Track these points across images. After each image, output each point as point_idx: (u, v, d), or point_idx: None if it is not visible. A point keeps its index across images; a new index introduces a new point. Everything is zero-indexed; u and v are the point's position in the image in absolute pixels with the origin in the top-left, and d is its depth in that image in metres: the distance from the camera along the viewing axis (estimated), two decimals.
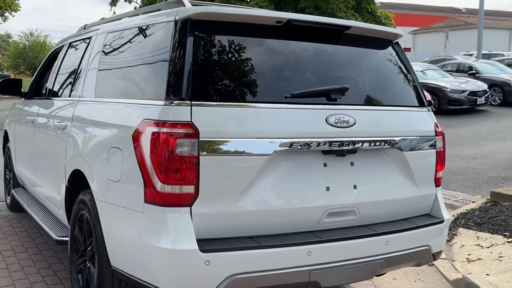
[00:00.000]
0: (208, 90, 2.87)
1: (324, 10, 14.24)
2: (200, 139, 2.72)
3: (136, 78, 3.33)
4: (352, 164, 3.20)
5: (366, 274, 3.22)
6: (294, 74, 3.16)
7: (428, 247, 3.47)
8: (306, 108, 3.04)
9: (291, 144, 2.92)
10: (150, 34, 3.28)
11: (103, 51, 3.93)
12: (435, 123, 3.63)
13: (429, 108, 3.69)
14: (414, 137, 3.45)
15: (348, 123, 3.11)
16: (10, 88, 5.72)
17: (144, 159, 2.80)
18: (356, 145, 3.14)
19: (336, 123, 3.06)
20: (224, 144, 2.77)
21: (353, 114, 3.15)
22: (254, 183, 2.86)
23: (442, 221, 3.57)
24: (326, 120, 3.04)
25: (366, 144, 3.18)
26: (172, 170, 2.69)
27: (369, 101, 3.38)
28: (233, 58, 2.99)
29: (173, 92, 2.79)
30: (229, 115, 2.82)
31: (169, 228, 2.71)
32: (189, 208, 2.72)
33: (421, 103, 3.63)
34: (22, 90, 5.82)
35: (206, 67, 2.89)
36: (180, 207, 2.72)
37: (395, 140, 3.32)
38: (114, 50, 3.79)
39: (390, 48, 3.65)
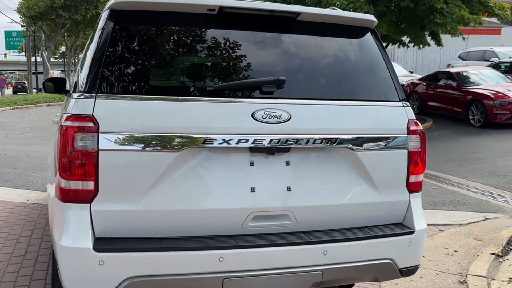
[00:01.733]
0: (120, 83, 2.76)
1: (422, 2, 13.33)
2: (101, 133, 2.62)
3: (81, 71, 3.34)
4: (287, 163, 2.90)
5: (296, 286, 2.89)
6: (225, 67, 2.93)
7: (390, 261, 3.04)
8: (229, 102, 2.81)
9: (204, 141, 2.71)
10: (97, 27, 3.26)
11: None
12: (410, 120, 3.17)
13: (406, 103, 3.23)
14: (373, 135, 3.04)
15: (279, 118, 2.82)
16: (54, 87, 6.05)
17: (56, 154, 2.78)
18: (289, 143, 2.84)
19: (264, 118, 2.79)
20: (128, 139, 2.64)
21: (289, 109, 2.85)
22: (161, 181, 2.69)
23: (412, 232, 3.11)
24: (252, 115, 2.78)
25: (302, 142, 2.86)
26: (71, 164, 2.63)
27: (315, 95, 3.02)
28: (153, 50, 2.85)
29: (87, 84, 2.74)
30: (136, 109, 2.69)
31: (69, 225, 2.65)
32: (88, 205, 2.64)
33: (393, 98, 3.20)
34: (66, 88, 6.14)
35: (120, 59, 2.79)
36: (79, 204, 2.64)
37: (343, 138, 2.95)
38: (88, 45, 3.86)
39: (358, 37, 3.25)
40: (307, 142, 2.87)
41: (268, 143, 2.79)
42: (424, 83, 17.58)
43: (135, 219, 2.69)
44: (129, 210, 2.67)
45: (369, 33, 3.29)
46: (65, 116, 2.71)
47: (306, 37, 3.12)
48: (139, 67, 2.82)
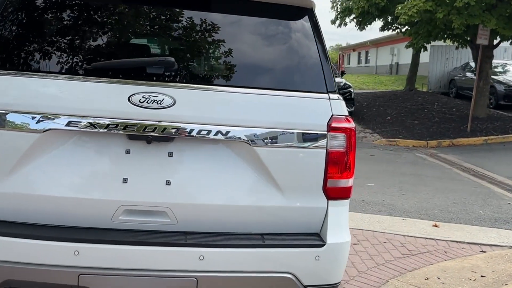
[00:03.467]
0: None
1: None
2: None
3: None
4: (170, 155, 2.60)
5: None
6: (110, 44, 2.68)
7: (291, 276, 2.61)
8: (102, 82, 2.56)
9: (69, 123, 2.51)
10: None
11: None
12: (334, 115, 2.69)
13: (337, 96, 2.75)
14: (278, 130, 2.62)
15: (160, 103, 2.52)
16: None
17: None
18: (167, 132, 2.53)
19: (141, 102, 2.51)
20: None
21: (173, 94, 2.54)
22: (25, 163, 2.53)
23: (321, 245, 2.65)
24: (128, 98, 2.52)
25: (184, 132, 2.54)
26: None
27: (212, 81, 2.68)
28: (29, 22, 2.67)
29: None
30: (1, 84, 2.55)
31: None
32: None
33: (318, 89, 2.74)
34: None
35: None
36: None
37: (237, 131, 2.57)
38: None
39: (287, 18, 2.82)
40: (190, 133, 2.54)
41: (142, 130, 2.52)
42: None
43: None
44: None
45: (304, 14, 2.85)
46: None
47: (216, 14, 2.77)
48: (11, 40, 2.66)
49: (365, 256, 5.06)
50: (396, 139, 14.26)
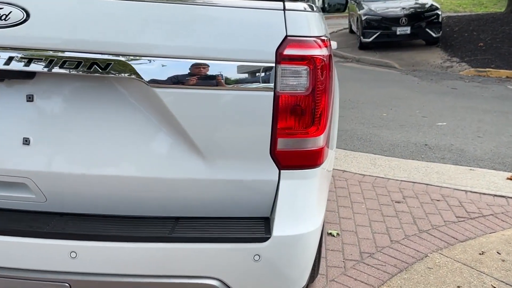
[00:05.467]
0: None
1: None
2: None
3: None
4: (29, 99, 1.73)
5: None
6: None
7: (216, 283, 1.72)
8: None
9: None
10: None
11: None
12: (289, 37, 1.66)
13: (303, 6, 1.71)
14: (193, 61, 1.65)
15: (6, 19, 1.63)
16: None
17: None
18: (14, 63, 1.65)
19: None
20: None
21: (27, 4, 1.64)
22: None
23: (264, 239, 1.71)
24: None
25: (41, 64, 1.64)
26: None
27: None
28: None
29: None
30: None
31: None
32: None
33: None
34: None
35: None
36: None
37: (124, 62, 1.64)
38: None
39: None
40: (49, 65, 1.64)
41: None
42: None
43: None
44: None
45: None
46: None
47: None
48: None
49: (407, 219, 4.03)
50: (487, 69, 12.44)
